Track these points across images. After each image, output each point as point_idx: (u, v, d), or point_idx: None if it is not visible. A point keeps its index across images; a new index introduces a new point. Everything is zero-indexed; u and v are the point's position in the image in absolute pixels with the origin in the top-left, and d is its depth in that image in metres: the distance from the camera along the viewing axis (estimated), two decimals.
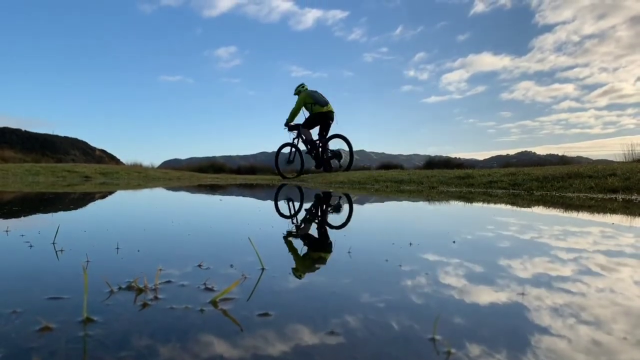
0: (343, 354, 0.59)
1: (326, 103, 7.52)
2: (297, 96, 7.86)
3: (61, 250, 1.21)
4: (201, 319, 0.70)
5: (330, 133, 7.66)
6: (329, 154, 7.62)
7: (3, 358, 0.55)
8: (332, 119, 7.59)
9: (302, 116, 7.87)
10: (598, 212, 2.77)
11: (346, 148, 7.52)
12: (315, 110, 7.50)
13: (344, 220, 2.28)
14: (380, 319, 0.72)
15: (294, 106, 7.70)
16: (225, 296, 0.80)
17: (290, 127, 7.87)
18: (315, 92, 7.61)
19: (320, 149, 7.68)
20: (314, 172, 8.24)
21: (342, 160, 7.57)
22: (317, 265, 1.12)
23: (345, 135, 7.43)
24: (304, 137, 7.74)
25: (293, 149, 7.96)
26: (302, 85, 7.92)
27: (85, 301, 0.70)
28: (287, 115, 7.97)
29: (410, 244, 1.43)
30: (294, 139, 7.94)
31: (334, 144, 7.73)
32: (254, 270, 1.02)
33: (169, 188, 5.57)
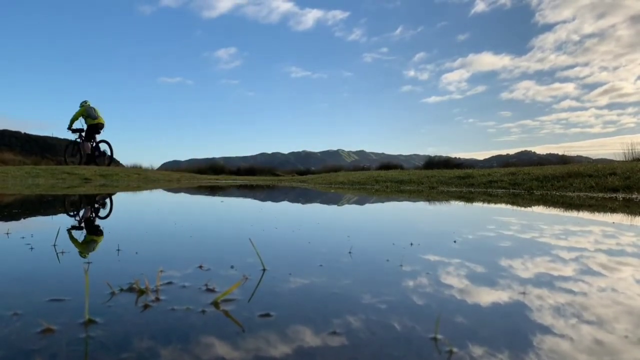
0: (345, 354, 0.59)
1: (96, 117, 10.62)
2: (79, 107, 10.79)
3: (62, 252, 1.21)
4: (202, 320, 0.70)
5: (99, 138, 10.97)
6: (98, 154, 10.89)
7: None
8: (101, 128, 10.76)
9: (81, 123, 10.87)
10: (599, 212, 2.77)
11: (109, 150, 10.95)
12: (89, 122, 10.64)
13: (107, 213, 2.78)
14: (382, 319, 0.72)
15: (74, 114, 10.57)
16: (226, 297, 0.80)
17: (72, 130, 10.78)
18: (92, 108, 10.67)
19: (92, 151, 10.89)
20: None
21: (105, 158, 10.83)
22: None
23: (108, 140, 10.93)
24: (84, 148, 10.84)
25: (75, 146, 11.04)
26: (85, 102, 10.77)
27: (86, 303, 0.70)
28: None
29: (411, 244, 1.43)
30: (76, 138, 10.97)
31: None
32: (255, 271, 1.02)
33: (168, 190, 5.57)
